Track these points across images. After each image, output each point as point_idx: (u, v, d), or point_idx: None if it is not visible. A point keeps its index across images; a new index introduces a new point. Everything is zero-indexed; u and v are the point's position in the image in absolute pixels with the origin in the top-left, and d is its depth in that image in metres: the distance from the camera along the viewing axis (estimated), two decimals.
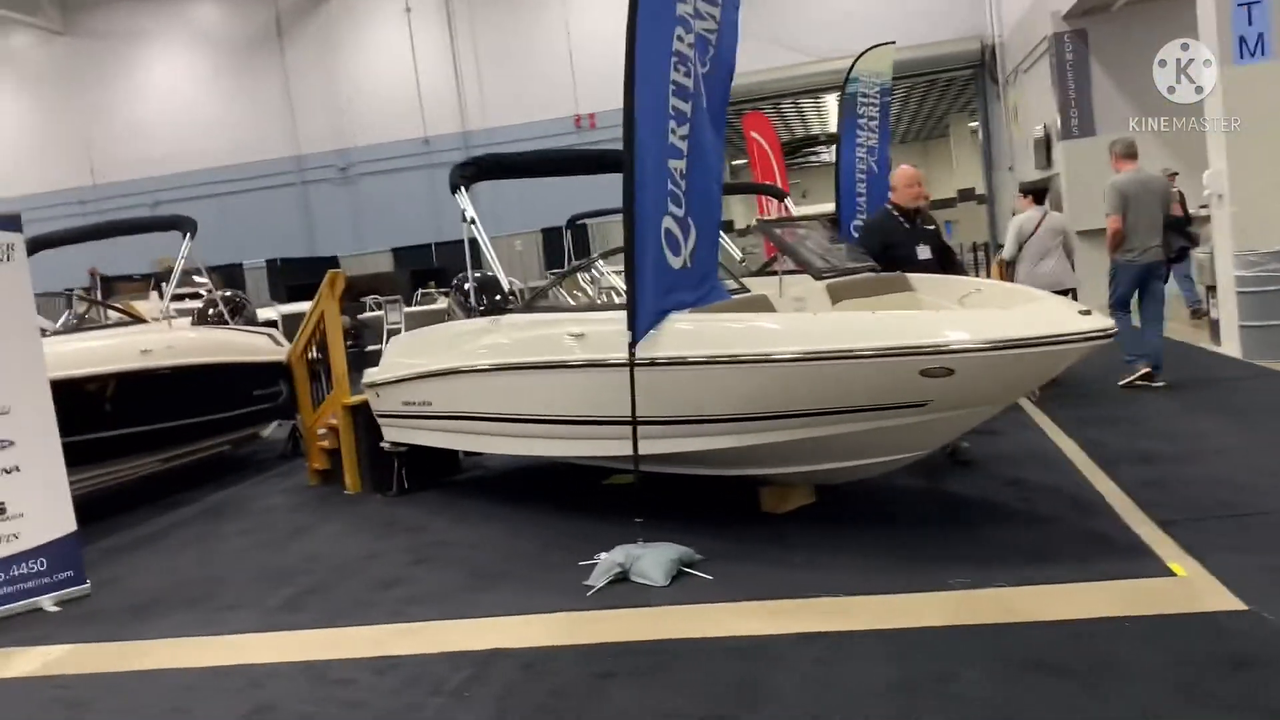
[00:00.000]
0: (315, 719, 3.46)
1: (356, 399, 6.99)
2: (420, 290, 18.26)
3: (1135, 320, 8.13)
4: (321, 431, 7.41)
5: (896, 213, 6.50)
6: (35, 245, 6.99)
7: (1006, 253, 8.70)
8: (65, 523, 5.19)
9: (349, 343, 8.89)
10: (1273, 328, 8.32)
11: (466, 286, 6.57)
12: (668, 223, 4.74)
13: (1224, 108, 8.51)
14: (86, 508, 5.80)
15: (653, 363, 4.62)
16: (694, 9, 4.87)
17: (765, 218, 11.89)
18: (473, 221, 6.14)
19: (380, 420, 6.80)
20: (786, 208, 10.30)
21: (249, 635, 4.39)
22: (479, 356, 5.81)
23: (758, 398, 4.51)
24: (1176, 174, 11.44)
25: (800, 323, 4.72)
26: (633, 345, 4.62)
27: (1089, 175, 11.98)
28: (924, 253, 6.36)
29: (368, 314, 16.93)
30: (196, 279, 12.72)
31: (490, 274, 6.46)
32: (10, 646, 4.55)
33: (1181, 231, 8.21)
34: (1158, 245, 7.76)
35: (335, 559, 5.46)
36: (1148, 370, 7.76)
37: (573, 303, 6.74)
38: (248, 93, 23.94)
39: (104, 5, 24.50)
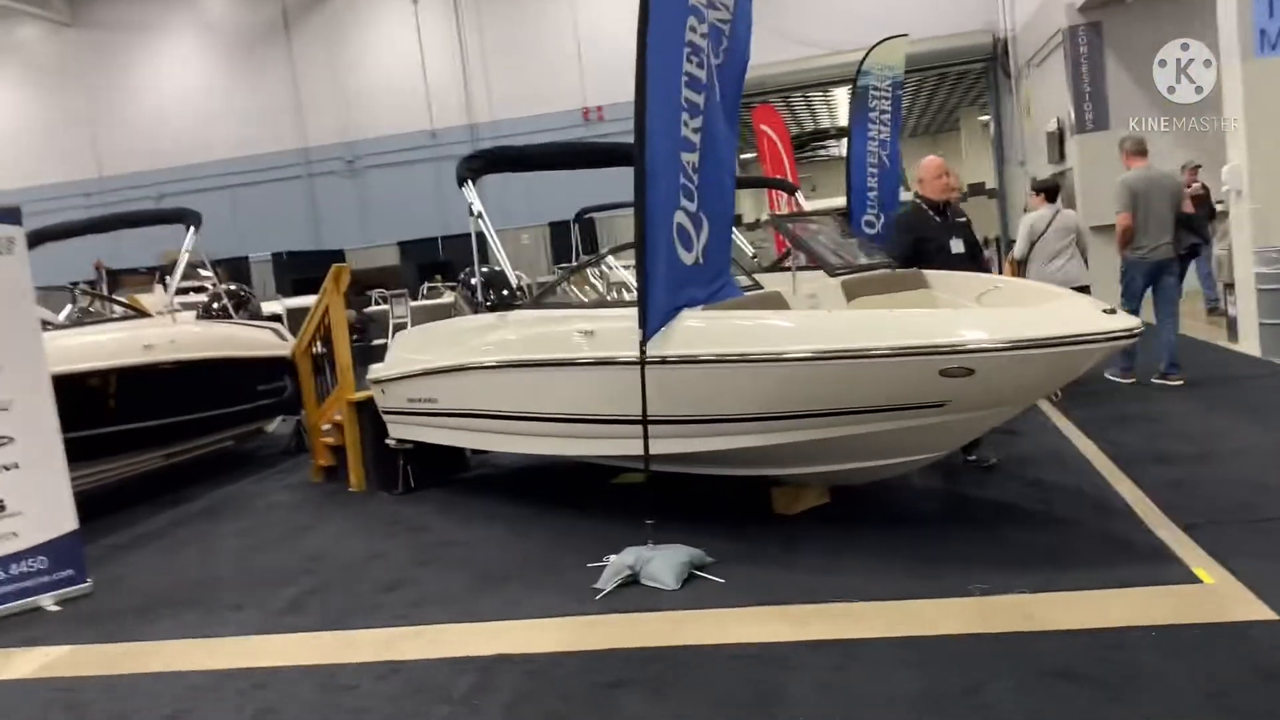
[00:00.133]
0: None
1: (361, 395, 6.92)
2: (426, 284, 18.21)
3: (1149, 317, 8.02)
4: (326, 428, 7.34)
5: (926, 205, 6.31)
6: (37, 238, 6.92)
7: (1018, 252, 8.60)
8: (66, 521, 5.12)
9: (354, 337, 8.82)
10: None
11: (473, 281, 6.49)
12: (679, 217, 4.64)
13: (1243, 102, 8.37)
14: (88, 504, 5.73)
15: (664, 361, 4.52)
16: None
17: (776, 212, 11.78)
18: (480, 215, 6.06)
19: (386, 417, 6.71)
20: (797, 202, 10.19)
21: (252, 637, 4.32)
22: (486, 353, 5.72)
23: (772, 397, 4.41)
24: (1199, 167, 11.30)
25: (815, 321, 4.62)
26: (644, 343, 4.52)
27: (1103, 169, 11.80)
28: (957, 246, 6.17)
29: (373, 308, 16.85)
30: (201, 272, 12.65)
31: (497, 269, 6.38)
32: (10, 647, 4.48)
33: (1192, 228, 8.13)
34: (1168, 242, 7.69)
35: (339, 559, 5.39)
36: (1162, 371, 7.70)
37: (582, 299, 6.65)
38: (254, 85, 23.86)
39: None
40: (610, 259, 6.47)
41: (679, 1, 4.58)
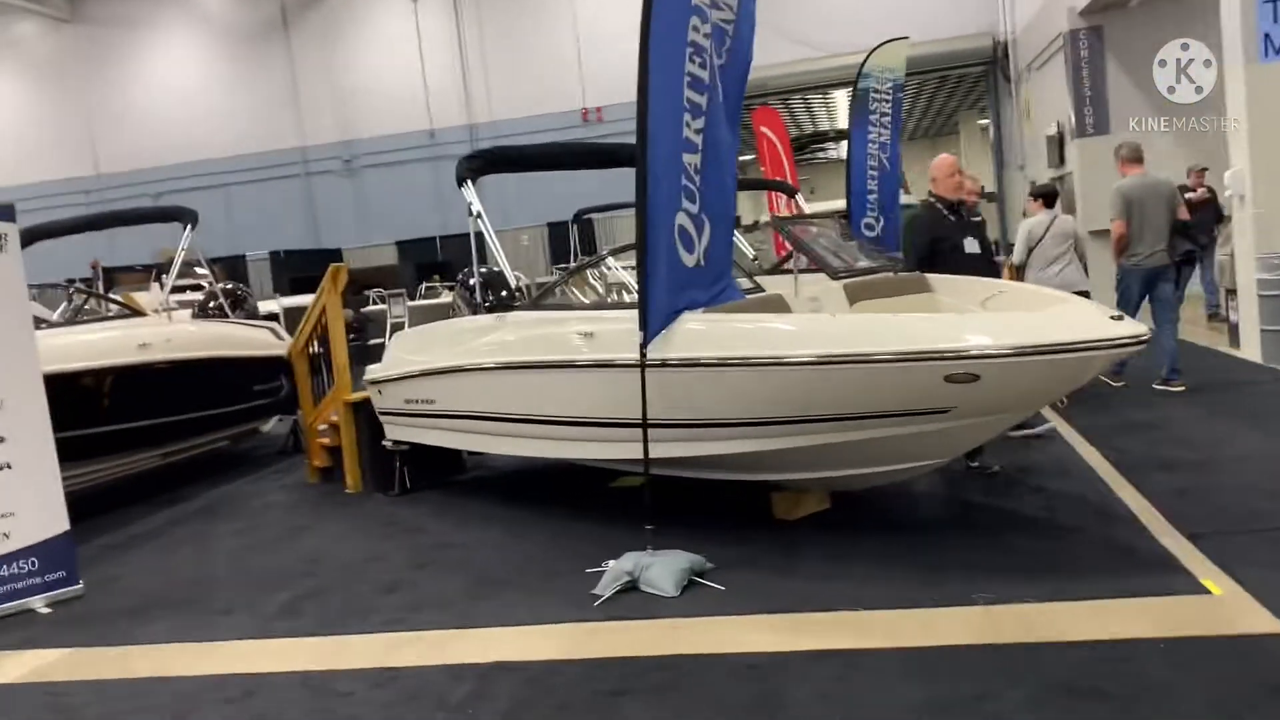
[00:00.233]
0: None
1: (358, 395, 6.86)
2: (424, 284, 18.17)
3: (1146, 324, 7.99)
4: (322, 428, 7.29)
5: (940, 205, 6.24)
6: (32, 236, 6.86)
7: (1016, 257, 8.55)
8: (57, 521, 5.05)
9: (351, 337, 8.76)
10: None
11: (472, 282, 6.44)
12: (681, 219, 4.59)
13: (1246, 106, 8.33)
14: (82, 504, 5.67)
15: (664, 364, 4.47)
16: None
17: (776, 214, 11.73)
18: (479, 215, 6.01)
19: (382, 418, 6.66)
20: (797, 204, 10.14)
21: (246, 642, 4.25)
22: (484, 354, 5.67)
23: (774, 401, 4.36)
24: (1206, 169, 11.26)
25: (818, 324, 4.56)
26: (644, 345, 4.47)
27: (1103, 174, 11.73)
28: (972, 246, 6.09)
29: (371, 307, 16.80)
30: (198, 271, 12.59)
31: (496, 269, 6.33)
32: (0, 650, 4.42)
33: (1188, 235, 8.11)
34: (1163, 249, 7.67)
35: (334, 561, 5.33)
36: (1164, 377, 7.66)
37: (582, 300, 6.60)
38: (253, 83, 23.80)
39: None
40: (610, 260, 6.42)
41: (682, 1, 4.53)
